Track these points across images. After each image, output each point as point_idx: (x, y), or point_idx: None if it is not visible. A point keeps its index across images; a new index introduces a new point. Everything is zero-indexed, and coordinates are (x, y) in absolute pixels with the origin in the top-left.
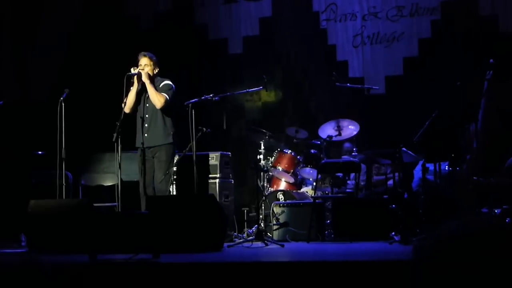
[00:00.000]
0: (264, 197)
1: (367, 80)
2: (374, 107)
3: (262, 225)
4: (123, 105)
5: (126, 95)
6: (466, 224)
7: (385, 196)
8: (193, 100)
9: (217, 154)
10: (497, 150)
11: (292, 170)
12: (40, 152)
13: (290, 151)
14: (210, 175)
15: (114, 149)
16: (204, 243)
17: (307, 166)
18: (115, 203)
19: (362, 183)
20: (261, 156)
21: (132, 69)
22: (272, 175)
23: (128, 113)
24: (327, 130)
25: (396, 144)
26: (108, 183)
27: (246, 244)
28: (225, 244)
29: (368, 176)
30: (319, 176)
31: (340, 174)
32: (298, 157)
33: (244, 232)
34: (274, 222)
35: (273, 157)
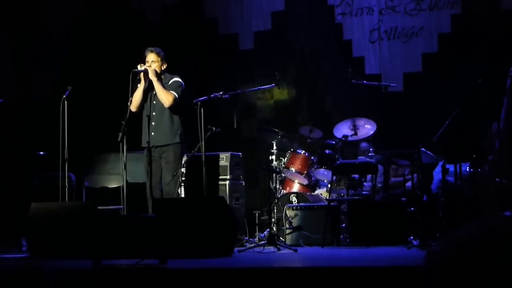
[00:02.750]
0: (276, 200)
1: (384, 77)
2: (391, 105)
3: (275, 229)
4: (129, 103)
5: (132, 93)
6: (483, 228)
7: (403, 199)
8: (202, 98)
9: (227, 154)
10: None
11: (305, 172)
12: (41, 153)
13: (303, 151)
14: (220, 177)
15: (119, 149)
16: (214, 248)
17: (322, 167)
18: (120, 206)
19: (379, 185)
20: (273, 157)
21: (138, 66)
22: (285, 176)
23: (135, 112)
24: (343, 130)
25: (414, 144)
26: (113, 185)
27: (257, 249)
28: (236, 249)
29: (386, 177)
30: (334, 177)
31: (356, 176)
32: (312, 157)
33: (256, 236)
34: (287, 226)
35: (285, 158)
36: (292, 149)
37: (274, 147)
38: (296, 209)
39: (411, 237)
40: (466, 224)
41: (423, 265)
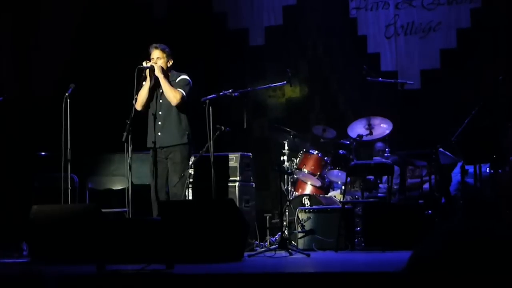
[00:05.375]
0: (288, 202)
1: (401, 74)
2: (408, 103)
3: (286, 233)
4: (134, 101)
5: (137, 91)
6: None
7: (420, 201)
8: (211, 96)
9: (237, 155)
10: None
11: (318, 173)
12: (43, 153)
13: (316, 151)
14: (229, 178)
15: (124, 149)
16: (223, 253)
17: (335, 168)
18: (125, 209)
19: (395, 187)
20: (285, 157)
21: (144, 63)
22: (297, 178)
23: (140, 110)
24: (357, 129)
25: (432, 144)
26: (118, 186)
27: (268, 254)
28: (246, 254)
29: (402, 179)
30: (349, 179)
31: (371, 177)
32: (325, 158)
33: (267, 241)
34: (299, 230)
35: (298, 159)
36: (304, 150)
37: (286, 147)
38: (309, 212)
39: None
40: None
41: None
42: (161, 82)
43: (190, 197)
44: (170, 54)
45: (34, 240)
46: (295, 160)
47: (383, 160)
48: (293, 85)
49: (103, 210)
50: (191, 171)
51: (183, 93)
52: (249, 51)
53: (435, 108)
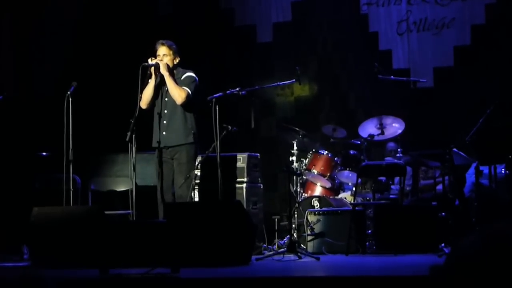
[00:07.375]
0: (297, 204)
1: (413, 71)
2: (421, 102)
3: (295, 236)
4: (138, 100)
5: (142, 89)
6: (484, 236)
7: (433, 203)
8: (217, 95)
9: (244, 155)
10: None
11: (328, 174)
12: (44, 153)
13: (326, 152)
14: (236, 179)
15: (127, 149)
16: (230, 256)
17: (346, 169)
18: (129, 211)
19: (407, 188)
20: (294, 158)
21: (149, 60)
22: (306, 179)
23: (145, 109)
24: (368, 129)
25: (446, 144)
26: (121, 188)
27: (277, 257)
28: (253, 257)
29: (415, 180)
30: (359, 180)
31: (383, 178)
32: (335, 158)
33: (275, 244)
34: (309, 232)
35: (307, 159)
36: (314, 150)
37: (295, 148)
38: (319, 214)
39: (442, 244)
40: (467, 234)
41: (428, 277)
42: (166, 79)
43: (196, 199)
44: (177, 51)
45: (35, 243)
46: (304, 161)
47: (395, 160)
48: (302, 83)
49: (106, 212)
50: (197, 172)
51: (188, 91)
52: (257, 48)
53: (448, 107)
